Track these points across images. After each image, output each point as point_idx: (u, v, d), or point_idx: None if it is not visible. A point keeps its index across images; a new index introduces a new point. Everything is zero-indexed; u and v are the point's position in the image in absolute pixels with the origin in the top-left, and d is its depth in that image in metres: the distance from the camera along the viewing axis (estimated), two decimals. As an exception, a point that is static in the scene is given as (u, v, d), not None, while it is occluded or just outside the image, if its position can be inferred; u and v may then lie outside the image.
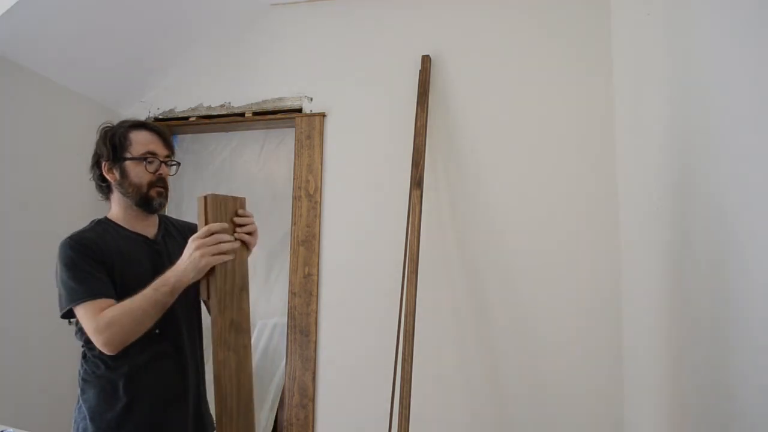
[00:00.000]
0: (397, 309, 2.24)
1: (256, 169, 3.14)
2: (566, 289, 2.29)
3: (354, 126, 2.64)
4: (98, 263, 1.33)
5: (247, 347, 1.30)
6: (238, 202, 1.33)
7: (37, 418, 2.31)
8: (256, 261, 2.95)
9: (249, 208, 1.36)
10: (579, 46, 2.40)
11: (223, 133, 3.09)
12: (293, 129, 2.75)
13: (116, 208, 1.46)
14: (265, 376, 2.98)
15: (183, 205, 3.12)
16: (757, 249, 1.07)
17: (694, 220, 1.43)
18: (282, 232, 2.95)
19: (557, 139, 2.38)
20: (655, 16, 1.76)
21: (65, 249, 1.33)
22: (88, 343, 1.34)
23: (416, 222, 2.27)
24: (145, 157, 1.42)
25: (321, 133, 2.66)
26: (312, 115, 2.67)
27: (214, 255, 1.25)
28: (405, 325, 2.16)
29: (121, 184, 1.42)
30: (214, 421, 1.29)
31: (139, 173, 1.42)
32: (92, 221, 1.45)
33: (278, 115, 2.75)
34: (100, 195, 1.49)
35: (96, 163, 1.45)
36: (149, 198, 1.43)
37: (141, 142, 1.43)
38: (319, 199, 2.61)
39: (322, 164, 2.64)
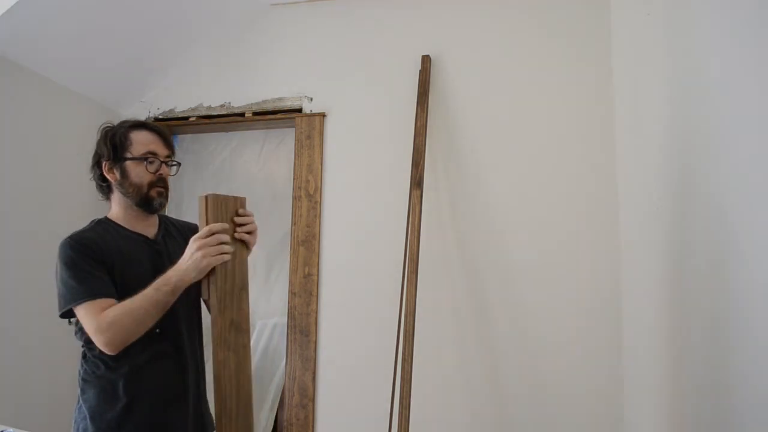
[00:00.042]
0: (397, 309, 2.24)
1: (256, 169, 3.14)
2: (566, 289, 2.29)
3: (354, 126, 2.64)
4: (98, 263, 1.33)
5: (246, 347, 1.31)
6: (239, 202, 1.34)
7: (37, 418, 2.31)
8: (256, 261, 2.95)
9: (249, 208, 1.37)
10: (579, 46, 2.40)
11: (223, 133, 3.09)
12: (293, 129, 2.75)
13: (116, 208, 1.46)
14: (265, 376, 2.98)
15: (183, 205, 3.12)
16: (757, 249, 1.07)
17: (694, 220, 1.43)
18: (282, 232, 2.95)
19: (557, 138, 2.38)
20: (655, 16, 1.76)
21: (65, 249, 1.33)
22: (88, 343, 1.34)
23: (416, 222, 2.27)
24: (146, 157, 1.42)
25: (321, 133, 2.66)
26: (312, 115, 2.67)
27: (215, 255, 1.25)
28: (405, 325, 2.16)
29: (121, 184, 1.42)
30: (214, 421, 1.29)
31: (139, 173, 1.42)
32: (92, 221, 1.45)
33: (278, 115, 2.75)
34: (101, 195, 1.49)
35: (96, 163, 1.45)
36: (149, 198, 1.43)
37: (142, 142, 1.43)
38: (319, 199, 2.61)
39: (322, 164, 2.64)
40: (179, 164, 1.52)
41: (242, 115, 2.79)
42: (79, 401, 1.39)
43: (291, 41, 2.77)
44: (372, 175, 2.57)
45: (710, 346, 1.31)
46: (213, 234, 1.26)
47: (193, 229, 1.54)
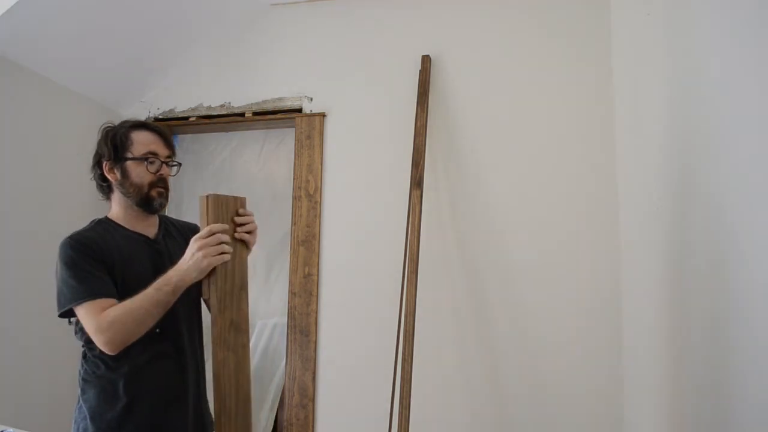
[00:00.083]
0: (397, 309, 2.24)
1: (256, 169, 3.14)
2: (566, 289, 2.29)
3: (354, 126, 2.64)
4: (99, 263, 1.33)
5: (245, 347, 1.31)
6: (239, 202, 1.34)
7: (37, 418, 2.31)
8: (256, 261, 2.96)
9: (249, 208, 1.37)
10: (579, 46, 2.40)
11: (223, 133, 3.09)
12: (293, 129, 2.75)
13: (117, 208, 1.46)
14: (265, 376, 2.98)
15: (183, 205, 3.12)
16: (757, 249, 1.07)
17: (694, 220, 1.43)
18: (282, 232, 2.95)
19: (557, 138, 2.38)
20: (655, 16, 1.76)
21: (66, 248, 1.33)
22: (88, 342, 1.34)
23: (416, 222, 2.27)
24: (147, 158, 1.42)
25: (321, 133, 2.66)
26: (312, 115, 2.67)
27: (215, 255, 1.26)
28: (405, 325, 2.16)
29: (122, 184, 1.42)
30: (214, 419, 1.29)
31: (140, 173, 1.42)
32: (92, 221, 1.46)
33: (278, 115, 2.75)
34: (101, 195, 1.49)
35: (97, 163, 1.45)
36: (150, 198, 1.43)
37: (142, 142, 1.43)
38: (319, 199, 2.61)
39: (322, 164, 2.64)
40: (180, 164, 1.53)
41: (242, 115, 2.79)
42: (79, 401, 1.39)
43: (291, 41, 2.77)
44: (372, 175, 2.57)
45: (710, 346, 1.32)
46: (213, 234, 1.27)
47: (193, 229, 1.54)
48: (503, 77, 2.48)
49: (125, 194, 1.43)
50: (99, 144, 1.45)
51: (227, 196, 1.33)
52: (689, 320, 1.48)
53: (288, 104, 2.73)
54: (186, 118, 2.87)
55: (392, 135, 2.54)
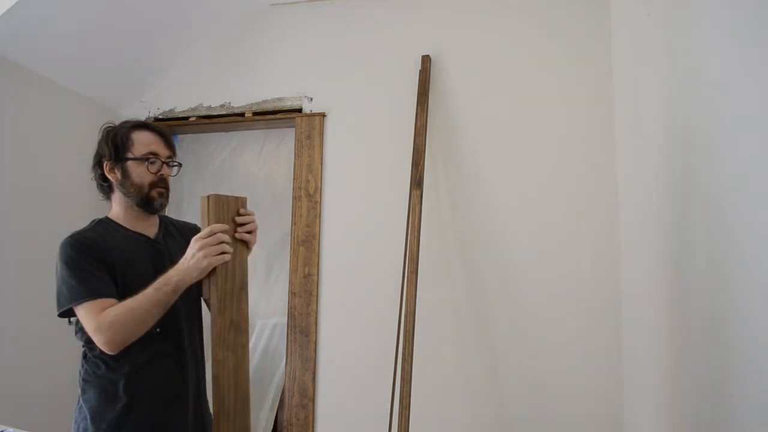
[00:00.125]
0: (397, 309, 2.24)
1: (256, 169, 3.14)
2: (566, 289, 2.29)
3: (354, 126, 2.64)
4: (99, 262, 1.33)
5: (245, 347, 1.31)
6: (240, 202, 1.34)
7: (37, 418, 2.31)
8: (256, 261, 2.96)
9: (249, 208, 1.37)
10: (579, 46, 2.40)
11: (223, 133, 3.09)
12: (293, 129, 2.75)
13: (117, 208, 1.46)
14: (265, 376, 2.98)
15: (183, 205, 3.12)
16: (757, 249, 1.07)
17: (694, 220, 1.43)
18: (282, 232, 2.95)
19: (557, 138, 2.38)
20: (655, 16, 1.76)
21: (66, 248, 1.33)
22: (88, 342, 1.34)
23: (416, 222, 2.27)
24: (147, 158, 1.42)
25: (321, 133, 2.66)
26: (312, 115, 2.68)
27: (216, 255, 1.26)
28: (405, 325, 2.16)
29: (122, 184, 1.43)
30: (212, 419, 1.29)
31: (140, 173, 1.42)
32: (93, 221, 1.46)
33: (278, 115, 2.75)
34: (101, 195, 1.50)
35: (98, 163, 1.45)
36: (150, 198, 1.43)
37: (143, 142, 1.44)
38: (319, 199, 2.61)
39: (322, 164, 2.64)
40: (180, 165, 1.53)
41: (242, 115, 2.79)
42: (79, 401, 1.39)
43: (291, 41, 2.77)
44: (372, 175, 2.57)
45: (710, 346, 1.32)
46: (214, 234, 1.27)
47: (192, 229, 1.54)
48: (503, 77, 2.48)
49: (126, 194, 1.43)
50: (100, 144, 1.45)
51: (228, 196, 1.33)
52: (689, 320, 1.48)
53: (288, 104, 2.73)
54: (186, 118, 2.87)
55: (392, 135, 2.54)
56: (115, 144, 1.42)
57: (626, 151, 2.18)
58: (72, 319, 1.37)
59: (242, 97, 2.80)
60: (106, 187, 1.47)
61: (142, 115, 2.86)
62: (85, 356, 1.39)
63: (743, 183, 1.14)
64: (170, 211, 2.90)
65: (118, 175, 1.42)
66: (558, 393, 2.25)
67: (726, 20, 1.25)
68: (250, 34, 2.83)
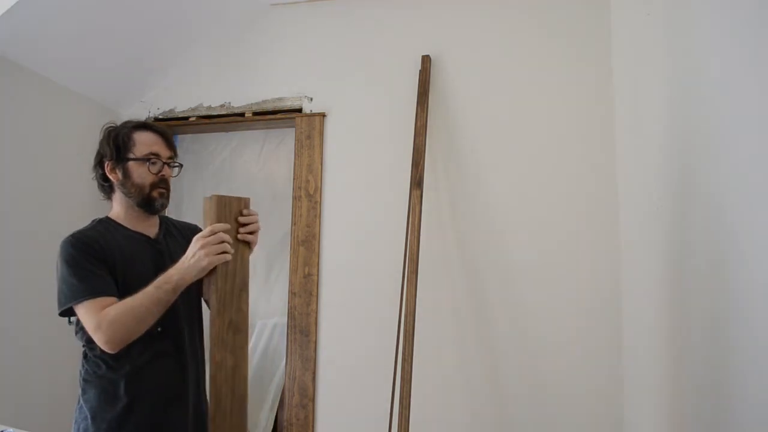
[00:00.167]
0: (397, 309, 2.24)
1: (256, 169, 3.14)
2: (566, 289, 2.29)
3: (354, 126, 2.64)
4: (100, 261, 1.34)
5: (244, 348, 1.31)
6: (243, 203, 1.34)
7: (37, 418, 2.31)
8: (256, 261, 2.95)
9: (251, 208, 1.37)
10: (579, 46, 2.40)
11: (223, 133, 3.09)
12: (293, 129, 2.75)
13: (118, 208, 1.46)
14: (265, 376, 2.98)
15: (183, 206, 3.12)
16: (757, 249, 1.07)
17: (694, 220, 1.43)
18: (282, 232, 2.95)
19: (557, 138, 2.38)
20: (655, 16, 1.76)
21: (67, 247, 1.34)
22: (89, 342, 1.34)
23: (416, 222, 2.27)
24: (149, 158, 1.43)
25: (321, 133, 2.66)
26: (312, 115, 2.68)
27: (216, 254, 1.26)
28: (405, 325, 2.16)
29: (123, 184, 1.43)
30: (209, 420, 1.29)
31: (141, 174, 1.42)
32: (93, 220, 1.46)
33: (278, 115, 2.75)
34: (102, 194, 1.50)
35: (99, 163, 1.45)
36: (151, 199, 1.43)
37: (144, 143, 1.44)
38: (319, 199, 2.61)
39: (322, 164, 2.64)
40: (181, 165, 1.53)
41: (242, 115, 2.79)
42: (79, 401, 1.39)
43: (291, 41, 2.77)
44: (372, 175, 2.57)
45: (710, 346, 1.32)
46: (215, 233, 1.27)
47: (193, 230, 1.55)
48: (503, 77, 2.48)
49: (127, 194, 1.43)
50: (101, 144, 1.46)
51: (231, 196, 1.33)
52: (689, 320, 1.48)
53: (288, 104, 2.73)
54: (186, 118, 2.87)
55: (392, 135, 2.54)
56: (116, 144, 1.42)
57: (626, 151, 2.18)
58: (72, 318, 1.36)
59: (242, 97, 2.80)
60: (107, 187, 1.47)
61: (142, 115, 2.86)
62: (85, 356, 1.39)
63: (743, 183, 1.14)
64: (170, 212, 2.89)
65: (119, 175, 1.43)
66: (558, 393, 2.25)
67: (726, 20, 1.25)
68: (250, 34, 2.83)
